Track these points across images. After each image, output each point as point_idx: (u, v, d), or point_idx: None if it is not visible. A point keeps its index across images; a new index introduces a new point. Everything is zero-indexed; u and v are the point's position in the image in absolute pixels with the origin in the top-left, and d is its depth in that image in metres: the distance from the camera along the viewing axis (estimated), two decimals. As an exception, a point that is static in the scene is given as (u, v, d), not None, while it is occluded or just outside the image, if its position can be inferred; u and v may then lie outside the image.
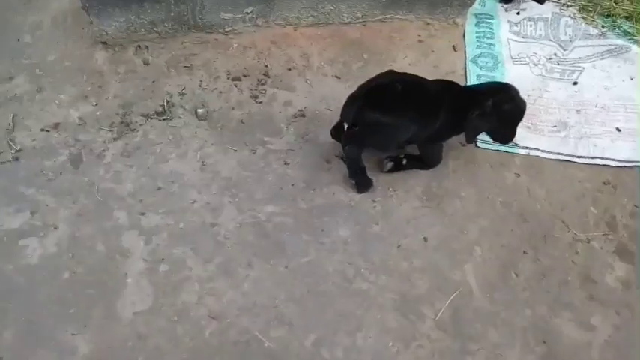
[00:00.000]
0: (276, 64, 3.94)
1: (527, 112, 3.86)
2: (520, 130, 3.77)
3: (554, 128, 3.83)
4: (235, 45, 4.00)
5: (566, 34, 4.36)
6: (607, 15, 4.54)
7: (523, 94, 3.94)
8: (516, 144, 3.73)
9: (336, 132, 3.37)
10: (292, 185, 3.39)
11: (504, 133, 3.40)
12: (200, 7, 3.78)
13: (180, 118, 3.63)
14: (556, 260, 3.21)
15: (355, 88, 3.19)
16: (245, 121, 3.65)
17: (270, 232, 3.18)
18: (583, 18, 4.51)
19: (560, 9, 4.52)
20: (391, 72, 3.25)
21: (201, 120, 3.63)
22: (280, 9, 3.92)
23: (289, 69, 3.93)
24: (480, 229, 3.32)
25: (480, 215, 3.38)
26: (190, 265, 3.05)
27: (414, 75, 3.23)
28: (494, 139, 3.49)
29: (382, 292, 3.02)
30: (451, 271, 3.13)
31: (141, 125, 3.55)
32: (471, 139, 3.39)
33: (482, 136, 3.72)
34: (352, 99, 3.11)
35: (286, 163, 3.48)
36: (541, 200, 3.48)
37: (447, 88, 3.28)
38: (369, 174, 3.36)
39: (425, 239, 3.24)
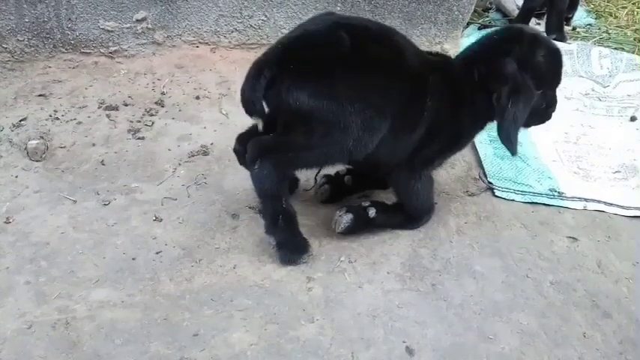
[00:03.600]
0: (178, 92, 2.63)
1: (571, 153, 2.46)
2: (563, 175, 2.31)
3: (618, 174, 2.36)
4: (124, 71, 2.73)
5: (602, 67, 3.10)
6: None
7: (558, 133, 2.60)
8: (560, 193, 2.21)
9: (244, 146, 1.86)
10: (157, 254, 1.82)
11: (543, 106, 1.92)
12: (68, 8, 2.58)
13: (1, 157, 2.23)
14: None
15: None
16: (108, 161, 2.22)
17: (87, 339, 1.54)
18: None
19: (590, 47, 3.32)
20: (331, 14, 1.86)
21: (34, 159, 2.20)
22: (187, 17, 2.72)
23: (197, 97, 2.61)
24: (520, 331, 1.66)
25: (516, 306, 1.74)
26: None
27: (375, 22, 1.84)
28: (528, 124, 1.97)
29: None
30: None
31: None
32: (514, 144, 1.81)
33: (503, 182, 2.23)
34: (259, 67, 1.67)
35: (157, 219, 1.95)
36: (626, 280, 1.86)
37: (432, 62, 1.87)
38: (308, 233, 1.82)
39: (409, 351, 1.56)
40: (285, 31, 2.86)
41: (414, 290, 1.76)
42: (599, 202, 2.19)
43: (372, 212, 1.91)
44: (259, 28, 2.82)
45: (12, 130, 2.34)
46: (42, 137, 2.30)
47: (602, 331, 1.69)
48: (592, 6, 4.13)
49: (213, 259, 1.81)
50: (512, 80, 1.72)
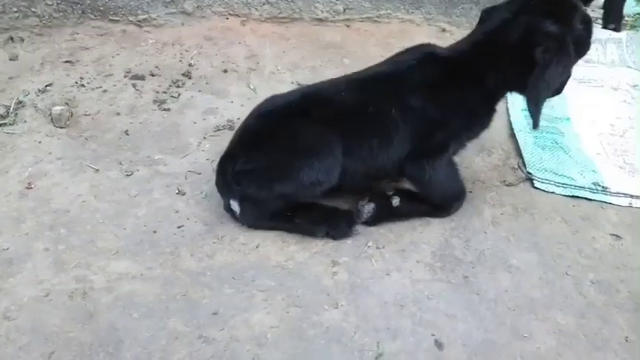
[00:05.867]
0: (206, 64, 2.55)
1: (616, 147, 2.31)
2: (608, 168, 2.17)
3: (667, 171, 2.20)
4: (151, 40, 2.67)
5: (653, 60, 2.93)
6: None
7: (604, 124, 2.46)
8: (605, 187, 2.07)
9: None
10: (179, 228, 1.76)
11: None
12: (97, -28, 2.52)
13: (26, 122, 2.18)
14: None
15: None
16: (132, 132, 2.16)
17: (103, 310, 1.49)
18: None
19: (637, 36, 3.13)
20: (271, 99, 1.90)
21: (58, 126, 2.15)
22: (219, -13, 2.63)
23: (225, 70, 2.53)
24: (557, 331, 1.55)
25: (553, 304, 1.63)
26: None
27: (296, 91, 1.96)
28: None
29: None
30: None
31: (-40, 129, 2.11)
32: (539, 112, 1.70)
33: (543, 173, 2.11)
34: (222, 163, 1.80)
35: (180, 193, 1.89)
36: (674, 283, 1.73)
37: (409, 64, 1.81)
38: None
39: (438, 344, 1.48)
40: (319, 5, 2.76)
41: (445, 281, 1.66)
42: (646, 199, 2.05)
43: (395, 201, 1.83)
44: (292, 0, 2.71)
45: (37, 96, 2.30)
46: (67, 104, 2.25)
47: (647, 336, 1.57)
48: (639, -6, 3.90)
49: (236, 236, 1.74)
50: (557, 39, 1.62)
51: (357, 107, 1.73)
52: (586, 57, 2.96)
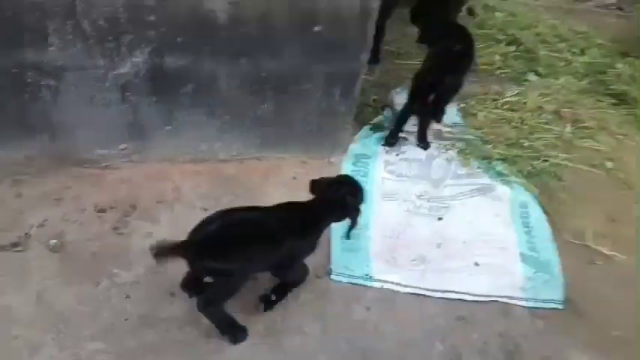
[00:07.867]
0: (147, 198, 4.04)
1: (388, 246, 3.90)
2: (379, 263, 3.76)
3: (414, 262, 3.78)
4: (110, 179, 4.15)
5: (437, 173, 4.48)
6: (483, 158, 4.68)
7: (388, 230, 4.02)
8: (371, 276, 3.67)
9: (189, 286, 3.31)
10: (126, 320, 3.29)
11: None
12: (75, 143, 4.00)
13: (33, 249, 3.65)
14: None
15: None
16: (98, 252, 3.66)
17: (88, 371, 3.02)
18: (460, 160, 4.64)
19: (440, 151, 4.70)
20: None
21: (54, 252, 3.64)
22: (155, 146, 4.14)
23: (159, 202, 4.03)
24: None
25: (320, 353, 3.22)
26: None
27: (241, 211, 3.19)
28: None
29: None
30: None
31: (-9, 257, 3.56)
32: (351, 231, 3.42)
33: (338, 268, 3.68)
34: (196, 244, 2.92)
35: (127, 297, 3.42)
36: (388, 337, 3.34)
37: (292, 212, 3.26)
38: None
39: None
40: (220, 153, 4.28)
41: (266, 344, 3.23)
42: (392, 282, 3.63)
43: (273, 297, 3.39)
44: (203, 152, 4.24)
45: (38, 229, 3.77)
46: (59, 236, 3.73)
47: None
48: (463, 105, 5.25)
49: (157, 324, 3.27)
50: (357, 207, 3.34)
51: (272, 236, 3.01)
52: (397, 172, 4.66)
